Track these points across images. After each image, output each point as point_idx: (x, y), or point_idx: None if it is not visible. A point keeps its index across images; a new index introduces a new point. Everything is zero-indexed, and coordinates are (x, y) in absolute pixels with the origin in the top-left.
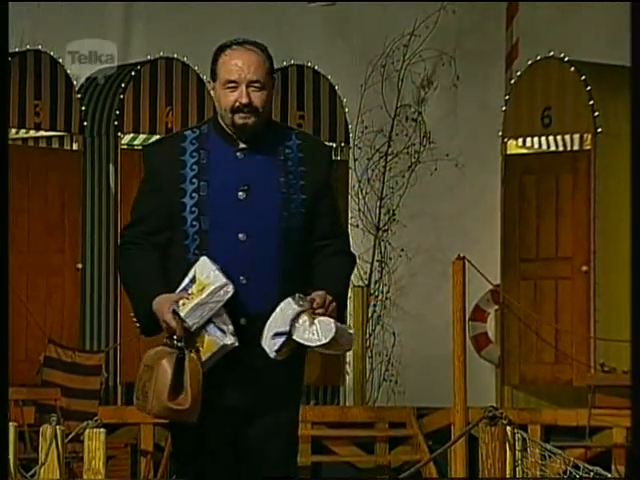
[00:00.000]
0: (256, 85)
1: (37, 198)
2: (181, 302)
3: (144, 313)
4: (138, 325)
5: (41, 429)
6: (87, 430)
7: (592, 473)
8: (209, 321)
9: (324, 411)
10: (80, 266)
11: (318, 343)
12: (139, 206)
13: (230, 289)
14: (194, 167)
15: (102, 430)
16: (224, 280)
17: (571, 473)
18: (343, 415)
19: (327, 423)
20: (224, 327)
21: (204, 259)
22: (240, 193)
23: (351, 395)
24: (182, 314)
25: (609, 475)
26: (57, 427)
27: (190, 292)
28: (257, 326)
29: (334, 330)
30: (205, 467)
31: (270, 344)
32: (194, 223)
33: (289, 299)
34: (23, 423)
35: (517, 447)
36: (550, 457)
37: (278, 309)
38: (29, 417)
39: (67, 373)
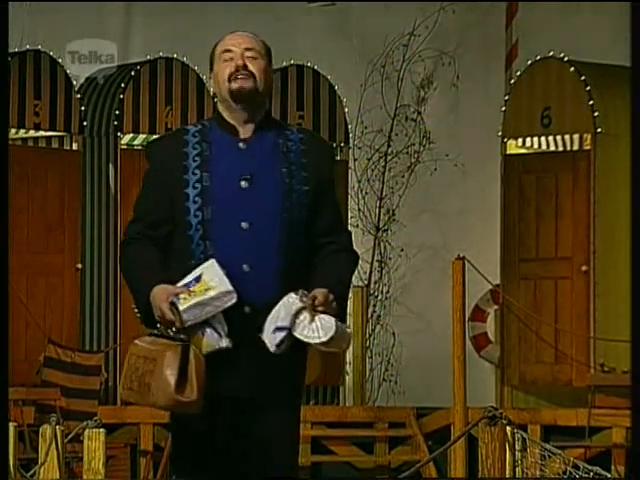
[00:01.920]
0: (251, 53)
1: (37, 198)
2: (182, 296)
3: (143, 303)
4: (139, 316)
5: (41, 429)
6: (87, 430)
7: (592, 473)
8: (206, 322)
9: (324, 411)
10: (80, 266)
11: (317, 341)
12: (141, 201)
13: (233, 299)
14: (196, 158)
15: (102, 430)
16: (230, 288)
17: (571, 473)
18: (343, 415)
19: (327, 423)
20: (220, 330)
21: (213, 262)
22: (243, 182)
23: (351, 395)
24: (180, 308)
25: (609, 475)
26: (57, 427)
27: (192, 289)
28: (261, 315)
29: (334, 329)
30: (206, 468)
31: (271, 338)
32: (197, 213)
33: (292, 294)
34: (23, 423)
35: (517, 447)
36: (550, 457)
37: (280, 303)
38: (29, 417)
39: (67, 373)
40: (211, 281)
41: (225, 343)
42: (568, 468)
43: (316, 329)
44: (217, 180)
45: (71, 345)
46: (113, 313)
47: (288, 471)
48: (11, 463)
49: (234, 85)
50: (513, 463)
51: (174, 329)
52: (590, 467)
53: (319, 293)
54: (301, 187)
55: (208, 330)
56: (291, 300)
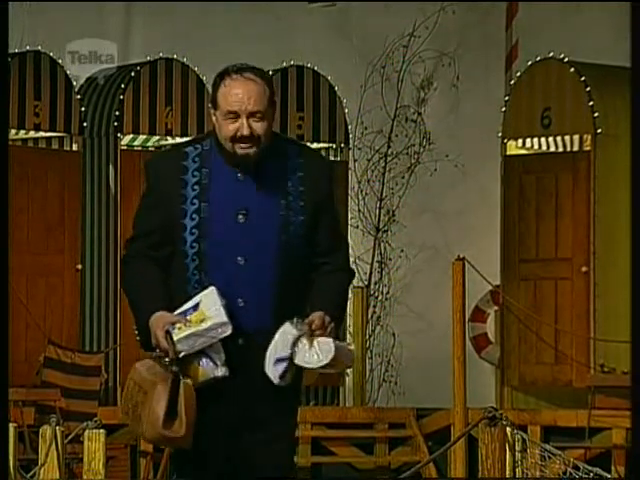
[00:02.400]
0: (257, 116)
1: (37, 199)
2: (177, 325)
3: (143, 327)
4: (138, 339)
5: (41, 430)
6: (87, 431)
7: (592, 474)
8: (202, 351)
9: (324, 412)
10: (80, 267)
11: (319, 364)
12: (140, 221)
13: (228, 330)
14: (195, 187)
15: (102, 431)
16: (225, 319)
17: (571, 474)
18: (343, 416)
19: (327, 424)
20: (217, 359)
21: (212, 290)
22: (240, 216)
23: (351, 396)
24: (175, 338)
25: (609, 476)
26: (57, 428)
27: (189, 318)
28: (255, 345)
29: (333, 350)
30: (205, 468)
31: (273, 371)
32: (194, 245)
33: (287, 324)
34: (23, 424)
35: (517, 448)
36: (550, 458)
37: (277, 335)
38: (29, 418)
39: (67, 374)
40: (208, 310)
41: (221, 372)
42: (568, 469)
43: (315, 353)
44: (215, 212)
45: (71, 346)
46: (113, 314)
47: (287, 471)
48: (11, 464)
49: (239, 151)
50: (513, 464)
51: (170, 359)
52: (590, 468)
53: (316, 317)
54: (297, 218)
55: (204, 359)
56: (287, 329)
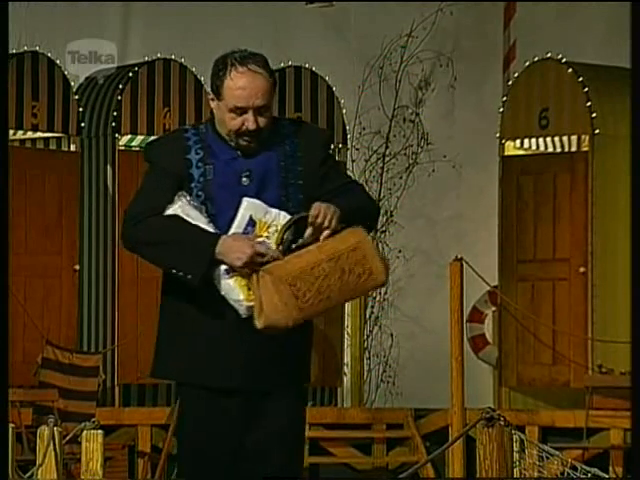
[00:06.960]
0: (262, 110)
1: (34, 199)
2: (259, 239)
3: (204, 259)
4: (191, 277)
5: (39, 430)
6: (85, 431)
7: (589, 474)
8: None
9: (322, 412)
10: (77, 267)
11: None
12: (148, 186)
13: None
14: (199, 151)
15: (100, 431)
16: (289, 216)
17: (568, 474)
18: (341, 416)
19: (325, 424)
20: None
21: (249, 200)
22: (244, 179)
23: (349, 396)
24: (273, 246)
25: (606, 476)
26: (55, 428)
27: (255, 231)
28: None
29: None
30: (208, 469)
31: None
32: (200, 207)
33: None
34: (21, 424)
35: (515, 448)
36: (547, 458)
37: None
38: (27, 418)
39: (65, 374)
40: (269, 218)
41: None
42: (566, 469)
43: None
44: (219, 175)
45: (69, 346)
46: (111, 314)
47: (292, 473)
48: (9, 464)
49: (242, 143)
50: (511, 464)
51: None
52: (588, 468)
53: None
54: (296, 181)
55: None
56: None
